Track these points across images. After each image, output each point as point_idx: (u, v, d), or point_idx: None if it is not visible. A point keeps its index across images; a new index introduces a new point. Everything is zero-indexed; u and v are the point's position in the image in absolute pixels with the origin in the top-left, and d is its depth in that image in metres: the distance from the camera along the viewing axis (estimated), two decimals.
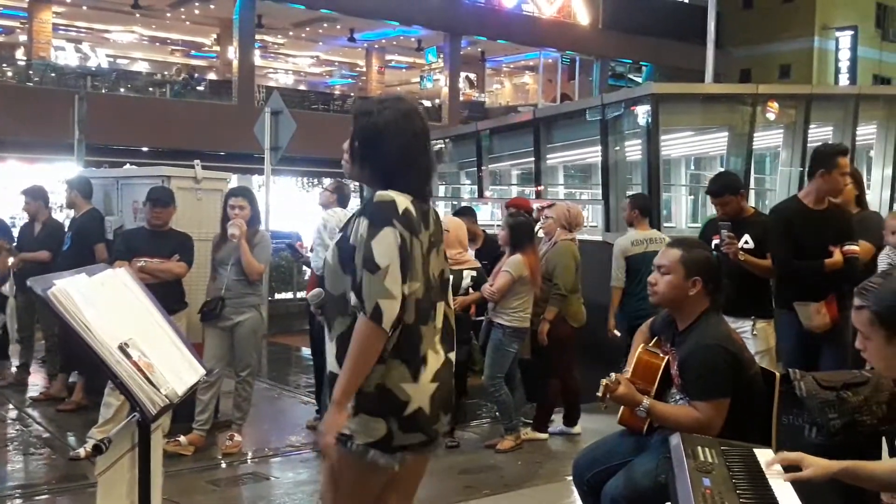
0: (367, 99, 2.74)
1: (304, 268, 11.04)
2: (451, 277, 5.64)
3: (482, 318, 6.00)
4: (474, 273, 5.92)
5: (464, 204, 12.81)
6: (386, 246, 2.42)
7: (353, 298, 2.46)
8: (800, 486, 2.36)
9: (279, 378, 8.54)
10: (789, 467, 2.42)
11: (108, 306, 2.59)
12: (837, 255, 4.68)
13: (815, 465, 2.37)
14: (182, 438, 5.61)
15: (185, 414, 5.62)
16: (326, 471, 2.62)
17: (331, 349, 2.56)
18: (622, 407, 3.32)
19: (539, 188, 13.02)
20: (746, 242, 4.89)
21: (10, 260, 7.07)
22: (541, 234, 6.45)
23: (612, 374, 3.18)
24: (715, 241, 4.88)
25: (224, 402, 6.12)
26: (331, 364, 2.56)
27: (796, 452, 2.45)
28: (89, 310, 2.44)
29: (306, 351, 9.79)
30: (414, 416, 2.52)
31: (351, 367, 2.43)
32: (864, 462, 2.43)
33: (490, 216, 14.36)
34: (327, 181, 8.19)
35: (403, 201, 2.51)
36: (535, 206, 6.84)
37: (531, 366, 6.20)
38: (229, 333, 5.69)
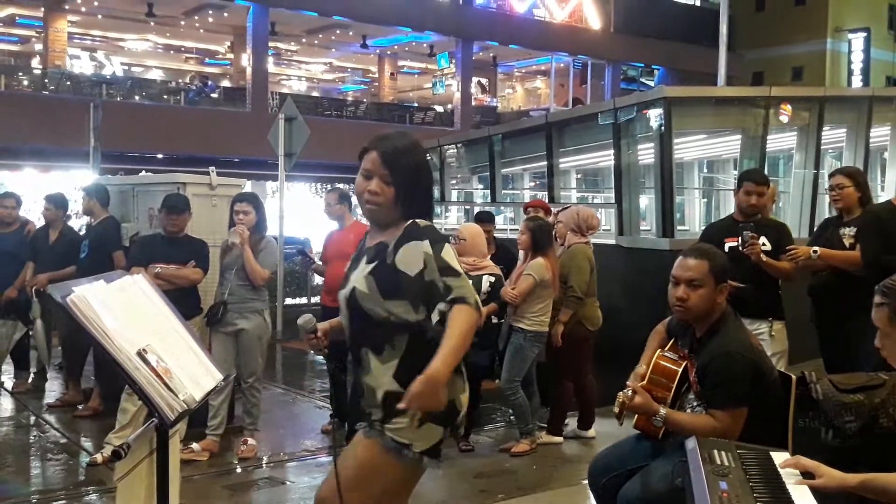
0: (390, 136, 2.74)
1: (316, 276, 11.06)
2: (472, 282, 5.69)
3: (501, 321, 5.99)
4: (492, 279, 5.90)
5: (477, 209, 12.83)
6: (454, 258, 2.63)
7: (436, 313, 2.54)
8: (817, 490, 2.35)
9: (293, 383, 8.55)
10: (805, 473, 2.41)
11: (127, 313, 2.61)
12: None
13: (829, 476, 2.37)
14: (195, 445, 5.62)
15: (199, 419, 5.64)
16: (355, 470, 2.66)
17: (385, 370, 2.63)
18: None
19: (528, 186, 12.77)
20: (764, 244, 4.89)
21: (29, 274, 7.14)
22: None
23: (628, 388, 3.18)
24: (730, 244, 4.86)
25: (239, 406, 6.14)
26: (388, 383, 2.62)
27: (812, 461, 2.45)
28: (108, 316, 2.46)
29: (320, 356, 9.80)
30: (457, 422, 2.73)
31: (456, 349, 2.48)
32: (881, 475, 2.42)
33: (503, 220, 14.35)
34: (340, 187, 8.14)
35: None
36: (553, 209, 6.83)
37: (546, 369, 6.20)
38: (234, 339, 5.69)
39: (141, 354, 2.48)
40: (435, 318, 2.55)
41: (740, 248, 4.75)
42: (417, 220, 2.65)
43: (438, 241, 2.61)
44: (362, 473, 2.65)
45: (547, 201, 10.19)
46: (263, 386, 6.25)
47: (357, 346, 2.70)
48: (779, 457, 2.54)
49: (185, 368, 2.70)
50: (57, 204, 7.31)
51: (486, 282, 5.86)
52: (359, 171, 2.69)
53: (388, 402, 2.59)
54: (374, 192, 2.65)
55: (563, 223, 6.25)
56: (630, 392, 3.16)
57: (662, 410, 3.15)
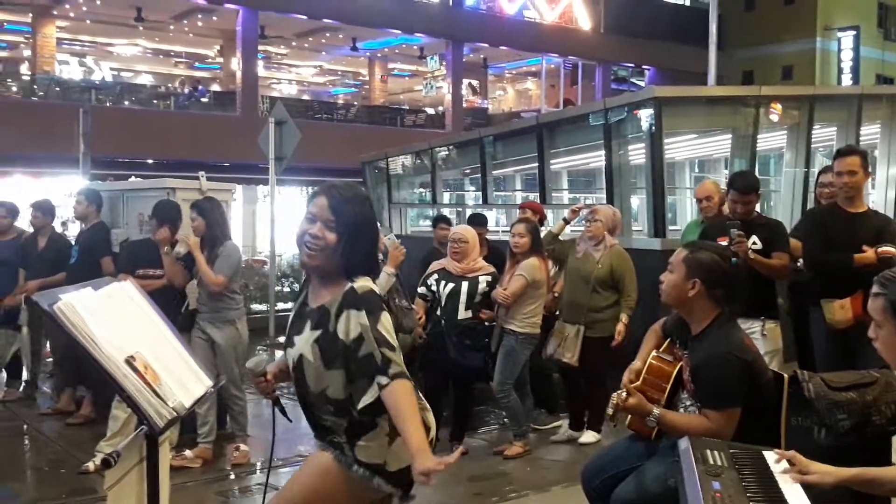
0: (340, 185, 2.70)
1: None
2: (468, 283, 5.70)
3: (493, 324, 5.96)
4: (489, 278, 5.88)
5: (469, 211, 12.81)
6: (390, 327, 2.59)
7: (375, 387, 2.54)
8: (810, 489, 2.35)
9: (286, 387, 8.52)
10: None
11: (114, 319, 2.59)
12: (870, 253, 4.63)
13: (820, 472, 2.37)
14: (188, 452, 5.60)
15: (192, 426, 5.63)
16: (309, 495, 2.69)
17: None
18: None
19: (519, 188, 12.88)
20: (755, 243, 4.88)
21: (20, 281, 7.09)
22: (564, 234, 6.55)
23: (623, 390, 3.17)
24: (722, 244, 4.85)
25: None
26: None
27: (804, 459, 2.44)
28: (95, 323, 2.44)
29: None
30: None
31: (419, 424, 2.49)
32: (874, 469, 2.42)
33: (494, 222, 14.31)
34: None
35: (374, 286, 2.66)
36: (577, 208, 6.77)
37: (580, 372, 6.06)
38: (210, 345, 5.66)
39: (129, 362, 2.46)
40: (375, 391, 2.54)
41: (729, 247, 4.75)
42: (355, 286, 2.59)
43: (374, 310, 2.57)
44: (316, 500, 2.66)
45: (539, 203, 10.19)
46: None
47: (316, 405, 2.74)
48: (771, 456, 2.54)
49: (175, 375, 2.68)
50: (44, 211, 7.28)
51: (483, 282, 5.84)
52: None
53: (354, 423, 2.62)
54: (316, 235, 2.58)
55: (602, 222, 6.06)
56: (624, 393, 3.15)
57: (656, 410, 3.13)
